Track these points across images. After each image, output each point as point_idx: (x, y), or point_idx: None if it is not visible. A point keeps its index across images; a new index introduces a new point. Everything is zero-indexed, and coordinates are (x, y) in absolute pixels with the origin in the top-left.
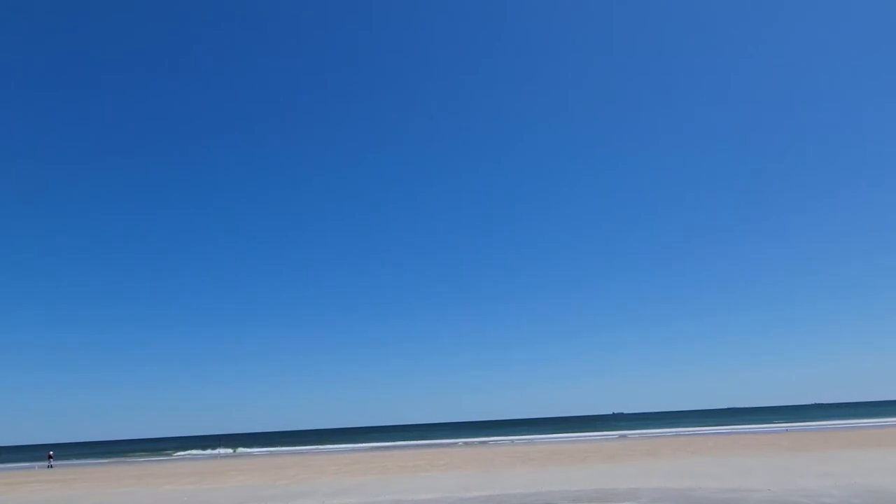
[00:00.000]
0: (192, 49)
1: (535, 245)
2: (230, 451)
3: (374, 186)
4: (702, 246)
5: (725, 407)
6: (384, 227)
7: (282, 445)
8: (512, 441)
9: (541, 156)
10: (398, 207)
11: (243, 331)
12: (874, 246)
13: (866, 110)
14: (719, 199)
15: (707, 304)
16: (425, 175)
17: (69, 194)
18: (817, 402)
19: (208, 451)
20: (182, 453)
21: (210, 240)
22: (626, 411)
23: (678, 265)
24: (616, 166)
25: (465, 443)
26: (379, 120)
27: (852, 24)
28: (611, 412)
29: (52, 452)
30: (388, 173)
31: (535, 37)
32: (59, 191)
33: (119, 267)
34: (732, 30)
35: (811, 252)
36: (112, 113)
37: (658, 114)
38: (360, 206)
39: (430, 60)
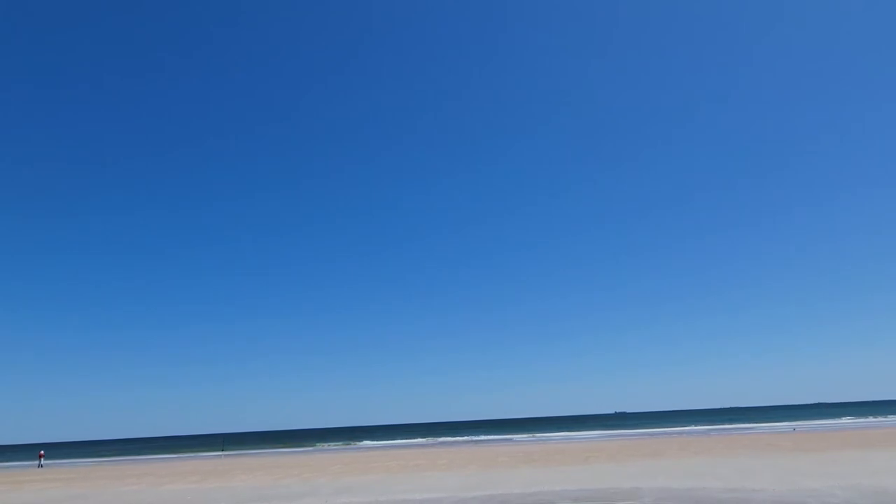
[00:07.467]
0: (192, 49)
1: (537, 244)
2: (232, 451)
3: (372, 187)
4: (705, 245)
5: (728, 406)
6: (385, 226)
7: (283, 445)
8: (513, 440)
9: (544, 155)
10: (398, 208)
11: (244, 331)
12: (878, 245)
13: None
14: (722, 199)
15: (709, 303)
16: (423, 175)
17: (69, 194)
18: (821, 401)
19: (211, 451)
20: (183, 454)
21: (210, 240)
22: (628, 410)
23: (681, 265)
24: (620, 166)
25: (466, 442)
26: (381, 120)
27: (852, 24)
28: (613, 411)
29: (42, 452)
30: (385, 175)
31: (539, 37)
32: (60, 191)
33: (119, 267)
34: (733, 31)
35: (814, 252)
36: (112, 113)
37: (656, 114)
38: (360, 206)
39: (431, 60)
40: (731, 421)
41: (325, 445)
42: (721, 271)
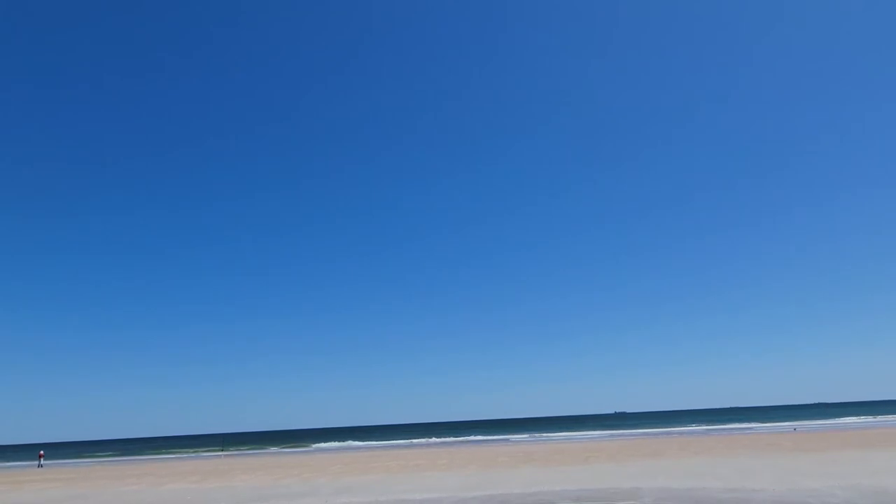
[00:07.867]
0: (192, 49)
1: (537, 244)
2: (232, 451)
3: (372, 187)
4: (705, 245)
5: (728, 406)
6: (385, 226)
7: (283, 445)
8: (513, 440)
9: (544, 155)
10: (398, 208)
11: (244, 331)
12: (878, 245)
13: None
14: (722, 199)
15: (709, 303)
16: (423, 175)
17: (69, 194)
18: (821, 401)
19: (211, 451)
20: (184, 454)
21: (210, 240)
22: (628, 410)
23: (681, 265)
24: (620, 166)
25: (466, 442)
26: (381, 120)
27: (852, 24)
28: (613, 411)
29: (42, 452)
30: (385, 175)
31: (539, 37)
32: (60, 191)
33: (119, 267)
34: (733, 31)
35: (814, 252)
36: (112, 113)
37: (656, 114)
38: (360, 206)
39: (431, 60)
40: (731, 421)
41: (325, 445)
42: (721, 271)
